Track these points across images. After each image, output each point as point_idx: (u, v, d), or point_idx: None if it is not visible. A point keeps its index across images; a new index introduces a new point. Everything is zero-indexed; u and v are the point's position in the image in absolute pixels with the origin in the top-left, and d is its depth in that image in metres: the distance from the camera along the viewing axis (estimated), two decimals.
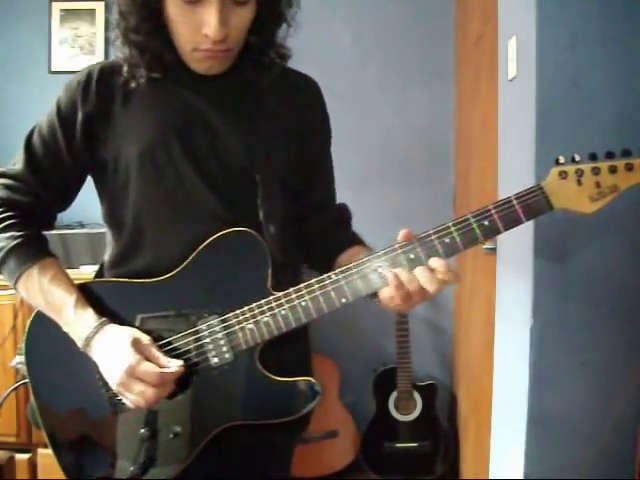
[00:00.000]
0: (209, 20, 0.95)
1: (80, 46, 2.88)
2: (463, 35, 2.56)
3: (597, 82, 1.28)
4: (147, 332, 1.02)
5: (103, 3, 2.85)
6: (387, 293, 0.96)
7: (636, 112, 1.27)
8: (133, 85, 1.04)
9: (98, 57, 2.85)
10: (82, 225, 2.54)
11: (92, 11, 2.87)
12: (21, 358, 2.18)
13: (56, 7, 2.87)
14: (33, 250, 1.06)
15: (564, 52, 1.28)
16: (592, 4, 1.27)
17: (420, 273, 0.93)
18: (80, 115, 1.05)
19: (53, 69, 2.87)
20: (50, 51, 2.88)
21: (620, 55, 1.27)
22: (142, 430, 1.01)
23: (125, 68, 1.03)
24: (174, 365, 0.98)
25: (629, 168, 0.89)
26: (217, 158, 1.06)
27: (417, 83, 2.80)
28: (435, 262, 0.93)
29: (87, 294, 1.05)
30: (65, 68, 2.82)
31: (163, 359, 0.99)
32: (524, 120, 1.36)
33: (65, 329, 1.03)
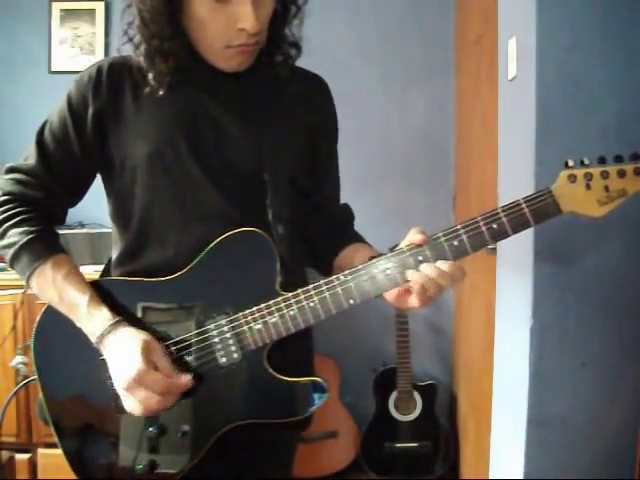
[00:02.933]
0: (245, 14, 0.96)
1: (80, 46, 2.88)
2: (463, 35, 2.56)
3: (597, 82, 1.28)
4: (155, 331, 1.02)
5: (103, 3, 2.86)
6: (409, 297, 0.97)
7: (636, 112, 1.27)
8: (161, 93, 1.03)
9: (98, 57, 2.85)
10: (82, 225, 2.54)
11: (92, 11, 2.87)
12: (21, 358, 2.18)
13: (56, 7, 2.87)
14: (46, 246, 1.06)
15: (564, 52, 1.28)
16: (592, 4, 1.27)
17: (428, 269, 0.93)
18: (91, 110, 1.05)
19: (53, 69, 2.87)
20: (50, 51, 2.88)
21: (620, 55, 1.27)
22: (150, 429, 1.01)
23: (151, 76, 1.02)
24: (183, 379, 0.98)
25: (638, 172, 0.89)
26: (225, 158, 1.06)
27: (417, 83, 2.80)
28: (442, 264, 0.93)
29: (98, 292, 1.05)
30: (65, 68, 2.82)
31: (173, 371, 0.99)
32: (524, 120, 1.36)
33: (78, 325, 1.03)
